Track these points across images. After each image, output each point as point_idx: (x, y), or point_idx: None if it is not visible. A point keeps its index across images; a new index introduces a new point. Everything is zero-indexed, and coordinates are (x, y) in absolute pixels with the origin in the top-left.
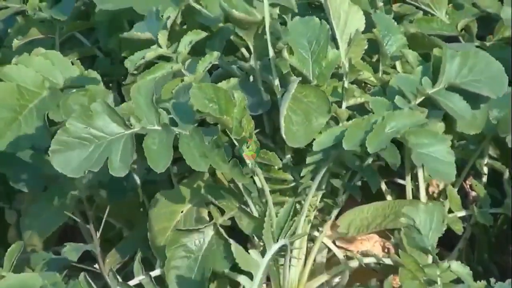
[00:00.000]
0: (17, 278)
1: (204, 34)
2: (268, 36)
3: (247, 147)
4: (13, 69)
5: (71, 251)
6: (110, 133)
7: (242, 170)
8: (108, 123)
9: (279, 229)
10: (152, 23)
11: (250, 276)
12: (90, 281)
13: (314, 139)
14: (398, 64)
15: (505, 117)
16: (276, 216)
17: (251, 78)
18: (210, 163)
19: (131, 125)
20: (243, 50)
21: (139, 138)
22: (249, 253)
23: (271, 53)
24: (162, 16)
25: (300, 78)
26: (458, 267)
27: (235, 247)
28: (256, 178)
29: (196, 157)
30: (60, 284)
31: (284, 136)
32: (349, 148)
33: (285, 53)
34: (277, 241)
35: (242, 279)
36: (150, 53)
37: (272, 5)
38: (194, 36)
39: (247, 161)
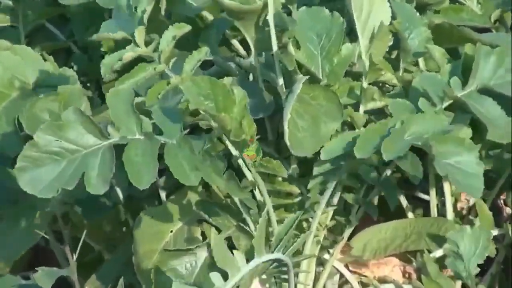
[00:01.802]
0: None
1: (188, 27)
2: (272, 28)
3: (247, 150)
4: None
5: (43, 277)
6: (85, 145)
7: (239, 183)
8: (82, 134)
9: (278, 241)
10: (125, 19)
11: (224, 275)
12: None
13: (323, 147)
14: (421, 61)
15: None
16: None
17: (251, 77)
18: (201, 176)
19: (109, 135)
20: (238, 45)
21: (119, 150)
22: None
23: (274, 47)
24: (135, 9)
25: (307, 77)
26: None
27: (215, 240)
28: (256, 192)
29: (186, 169)
30: None
31: (288, 143)
32: (361, 156)
33: (291, 47)
34: (272, 253)
35: (213, 275)
36: (127, 55)
37: None
38: (176, 30)
39: (247, 172)
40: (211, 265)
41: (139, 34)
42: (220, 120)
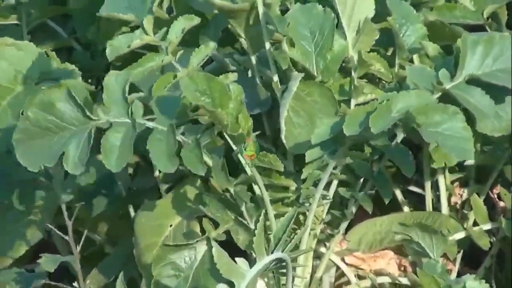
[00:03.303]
0: None
1: (197, 20)
2: (263, 26)
3: (245, 148)
4: None
5: (48, 262)
6: (72, 123)
7: (227, 175)
8: (72, 111)
9: (276, 240)
10: (133, 3)
11: (231, 285)
12: None
13: None
14: (415, 57)
15: None
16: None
17: (250, 73)
18: (178, 163)
19: (98, 117)
20: (242, 40)
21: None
22: (235, 261)
23: (267, 45)
24: None
25: (303, 74)
26: (474, 284)
27: (216, 252)
28: (255, 187)
29: (165, 155)
30: None
31: (284, 140)
32: (350, 133)
33: (285, 45)
34: (272, 253)
35: (220, 287)
36: (136, 42)
37: None
38: (186, 22)
39: (245, 165)
40: (211, 258)
41: (148, 22)
42: (216, 115)
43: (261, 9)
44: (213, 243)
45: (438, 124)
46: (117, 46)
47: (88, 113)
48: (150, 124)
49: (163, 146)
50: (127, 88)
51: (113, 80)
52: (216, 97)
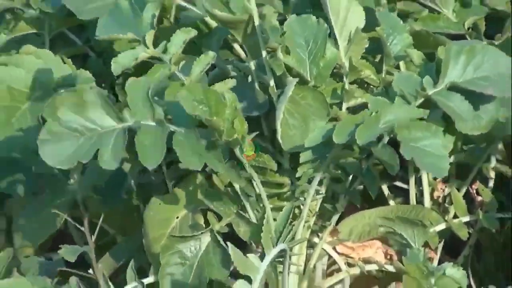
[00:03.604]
0: (5, 283)
1: (194, 32)
2: (259, 36)
3: (246, 150)
4: (3, 70)
5: (67, 253)
6: (102, 126)
7: (239, 172)
8: (101, 115)
9: (278, 234)
10: (128, 20)
11: (249, 280)
12: (81, 286)
13: None
14: (402, 64)
15: None
16: (274, 221)
17: (250, 78)
18: (204, 161)
19: (125, 119)
20: (239, 49)
21: (133, 136)
22: (247, 257)
23: (263, 53)
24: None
25: (297, 79)
26: (453, 271)
27: (233, 250)
28: (254, 183)
29: (190, 154)
30: None
31: (280, 140)
32: (338, 141)
33: (279, 53)
34: (276, 245)
35: (240, 283)
36: (141, 55)
37: (257, 4)
38: (185, 35)
39: (244, 164)
40: (214, 248)
41: (149, 37)
42: (213, 123)
43: (256, 21)
44: (230, 245)
45: (419, 140)
46: (121, 62)
47: (119, 116)
48: (172, 127)
49: (186, 146)
50: (149, 93)
51: (135, 86)
52: (213, 106)
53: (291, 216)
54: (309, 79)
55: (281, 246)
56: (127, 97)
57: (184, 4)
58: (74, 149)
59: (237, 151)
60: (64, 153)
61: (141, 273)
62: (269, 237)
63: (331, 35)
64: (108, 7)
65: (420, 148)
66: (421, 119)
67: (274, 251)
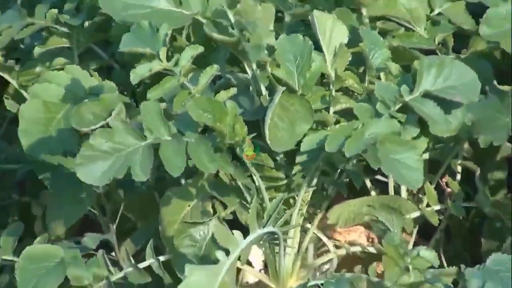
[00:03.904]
0: (42, 247)
1: (201, 49)
2: (249, 53)
3: (243, 150)
4: (38, 87)
5: (90, 240)
6: (128, 145)
7: (243, 171)
8: (126, 136)
9: (268, 217)
10: (147, 36)
11: (227, 253)
12: (106, 257)
13: (299, 142)
14: (382, 75)
15: (479, 119)
16: None
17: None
18: (217, 165)
19: (146, 138)
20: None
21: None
22: (233, 234)
23: (254, 66)
24: (157, 30)
25: (284, 88)
26: (426, 252)
27: (215, 224)
28: (254, 178)
29: (205, 161)
30: (78, 258)
31: (268, 141)
32: (330, 150)
33: (268, 67)
34: (265, 227)
35: (218, 253)
36: (155, 68)
37: (241, 29)
38: (193, 51)
39: (246, 162)
40: (215, 240)
41: (163, 52)
42: (217, 128)
43: (242, 44)
44: (215, 222)
45: (397, 153)
46: (139, 73)
47: (141, 135)
48: (186, 139)
49: (200, 154)
50: (162, 114)
51: (149, 108)
52: (216, 114)
53: (286, 205)
54: (297, 88)
55: (269, 228)
56: (143, 117)
57: (202, 20)
58: (107, 168)
59: (238, 151)
60: (98, 172)
61: (157, 252)
62: (254, 219)
63: (319, 49)
64: (140, 16)
65: (397, 160)
66: (399, 133)
67: (260, 232)
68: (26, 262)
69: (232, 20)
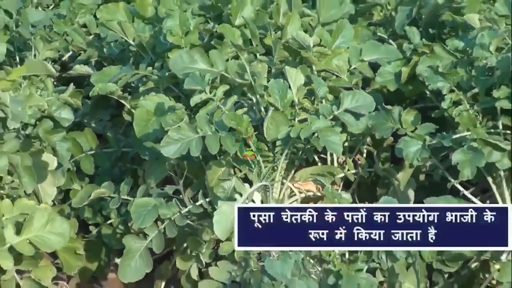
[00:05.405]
0: (144, 199)
1: (227, 87)
2: (255, 89)
3: (247, 151)
4: (143, 103)
5: (169, 189)
6: (189, 136)
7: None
8: (188, 132)
9: (262, 176)
10: (198, 79)
11: (240, 195)
12: (177, 200)
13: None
14: (324, 100)
15: (375, 124)
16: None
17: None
18: (236, 149)
19: (198, 132)
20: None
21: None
22: (244, 184)
23: (257, 96)
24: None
25: (273, 108)
26: (346, 195)
27: (235, 180)
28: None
29: (229, 146)
30: (163, 202)
31: (265, 135)
32: (293, 136)
33: (265, 96)
34: (261, 181)
35: (236, 195)
36: (203, 97)
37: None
38: (223, 88)
39: (252, 146)
40: (237, 184)
41: (207, 89)
42: (238, 129)
43: (252, 84)
44: (236, 180)
45: (329, 136)
46: (195, 100)
47: (196, 131)
48: (220, 134)
49: (227, 141)
50: (208, 120)
51: (200, 117)
52: (238, 121)
53: (271, 170)
54: (280, 108)
55: (264, 182)
56: (198, 123)
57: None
58: (177, 148)
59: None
60: (173, 150)
61: (205, 196)
62: (256, 177)
63: (290, 87)
64: (191, 71)
65: (329, 140)
66: (331, 127)
67: (259, 184)
68: (136, 207)
69: (249, 71)
